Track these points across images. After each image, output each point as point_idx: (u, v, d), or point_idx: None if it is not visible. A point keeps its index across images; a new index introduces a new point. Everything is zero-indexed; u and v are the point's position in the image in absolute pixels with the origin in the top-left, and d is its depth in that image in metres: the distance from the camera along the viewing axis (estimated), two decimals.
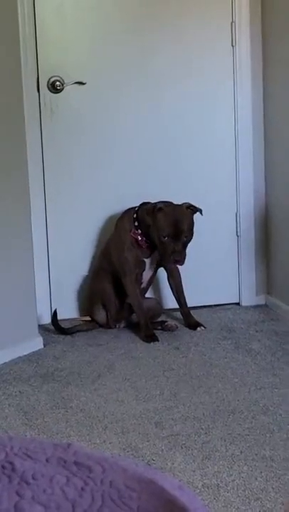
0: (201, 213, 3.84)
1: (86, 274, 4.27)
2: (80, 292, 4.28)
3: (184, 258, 3.77)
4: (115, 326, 4.08)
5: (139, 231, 3.91)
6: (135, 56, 4.19)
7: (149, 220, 3.82)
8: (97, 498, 1.32)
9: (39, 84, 4.06)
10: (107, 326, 4.09)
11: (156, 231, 3.78)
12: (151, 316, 4.07)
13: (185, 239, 3.77)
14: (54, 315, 4.03)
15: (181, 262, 3.79)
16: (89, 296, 4.18)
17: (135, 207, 3.98)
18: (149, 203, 3.93)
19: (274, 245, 4.32)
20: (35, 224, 3.96)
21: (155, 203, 3.83)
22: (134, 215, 3.94)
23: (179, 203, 3.83)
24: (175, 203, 3.84)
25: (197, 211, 3.83)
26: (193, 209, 3.83)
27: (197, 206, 3.83)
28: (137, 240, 3.92)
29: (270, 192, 4.32)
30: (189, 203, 3.83)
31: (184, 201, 3.84)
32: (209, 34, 4.23)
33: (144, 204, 3.95)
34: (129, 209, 4.02)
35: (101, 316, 4.09)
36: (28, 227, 3.80)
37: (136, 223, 3.92)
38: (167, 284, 4.15)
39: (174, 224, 3.75)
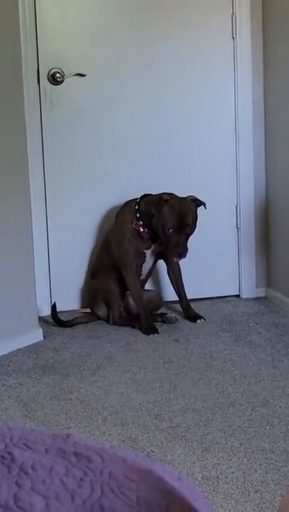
0: (205, 207, 3.84)
1: (86, 266, 4.26)
2: (80, 284, 4.28)
3: (186, 252, 3.77)
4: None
5: (141, 222, 3.91)
6: (135, 48, 4.18)
7: (153, 210, 3.81)
8: (97, 488, 1.32)
9: (39, 76, 4.05)
10: (107, 321, 4.08)
11: (161, 223, 3.77)
12: (151, 308, 4.06)
13: (188, 232, 3.78)
14: (53, 308, 4.02)
15: (184, 256, 3.79)
16: (92, 291, 4.16)
17: (136, 198, 3.97)
18: (150, 194, 3.93)
19: (274, 238, 4.32)
20: (35, 216, 3.95)
21: (160, 194, 3.83)
22: (136, 207, 3.94)
23: (184, 196, 3.83)
24: (178, 195, 3.84)
25: (201, 205, 3.83)
26: (197, 203, 3.83)
27: (201, 200, 3.83)
28: (138, 231, 3.92)
29: (270, 185, 4.32)
30: (194, 197, 3.83)
31: (185, 193, 3.84)
32: (210, 26, 4.22)
33: (145, 196, 3.95)
34: (129, 201, 4.02)
35: (102, 312, 4.08)
36: (28, 219, 3.80)
37: (137, 214, 3.92)
38: (167, 276, 4.15)
39: (179, 217, 3.75)
